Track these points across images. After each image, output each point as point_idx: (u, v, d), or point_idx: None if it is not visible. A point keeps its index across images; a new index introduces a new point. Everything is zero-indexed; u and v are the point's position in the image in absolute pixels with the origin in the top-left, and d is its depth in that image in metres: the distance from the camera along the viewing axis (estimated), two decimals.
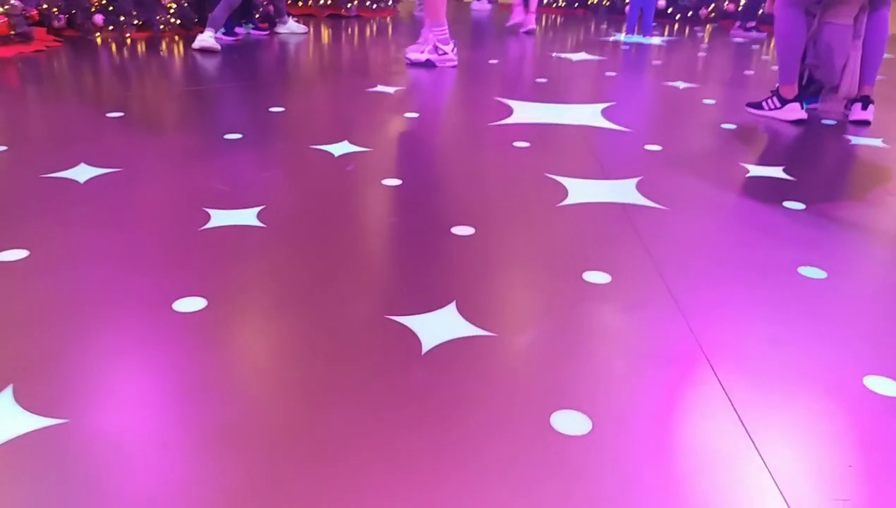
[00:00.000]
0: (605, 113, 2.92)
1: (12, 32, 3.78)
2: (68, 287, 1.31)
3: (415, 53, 3.91)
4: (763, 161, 2.33)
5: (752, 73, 4.20)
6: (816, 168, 2.29)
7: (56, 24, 4.23)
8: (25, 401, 0.98)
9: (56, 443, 0.90)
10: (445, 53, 3.85)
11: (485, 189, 1.97)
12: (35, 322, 1.18)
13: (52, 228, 1.58)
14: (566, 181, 2.02)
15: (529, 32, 5.67)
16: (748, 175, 2.16)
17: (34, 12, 4.07)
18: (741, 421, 0.99)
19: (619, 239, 1.63)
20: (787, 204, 1.90)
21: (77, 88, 3.15)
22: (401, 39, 5.12)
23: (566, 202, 1.86)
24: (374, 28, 5.76)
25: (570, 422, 0.97)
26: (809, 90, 2.99)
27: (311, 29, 5.38)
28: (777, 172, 2.18)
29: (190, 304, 1.25)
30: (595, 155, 2.33)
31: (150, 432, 0.92)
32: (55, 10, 4.21)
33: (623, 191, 1.96)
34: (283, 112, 2.75)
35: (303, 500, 0.82)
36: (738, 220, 1.79)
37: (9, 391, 1.00)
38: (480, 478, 0.86)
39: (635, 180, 2.04)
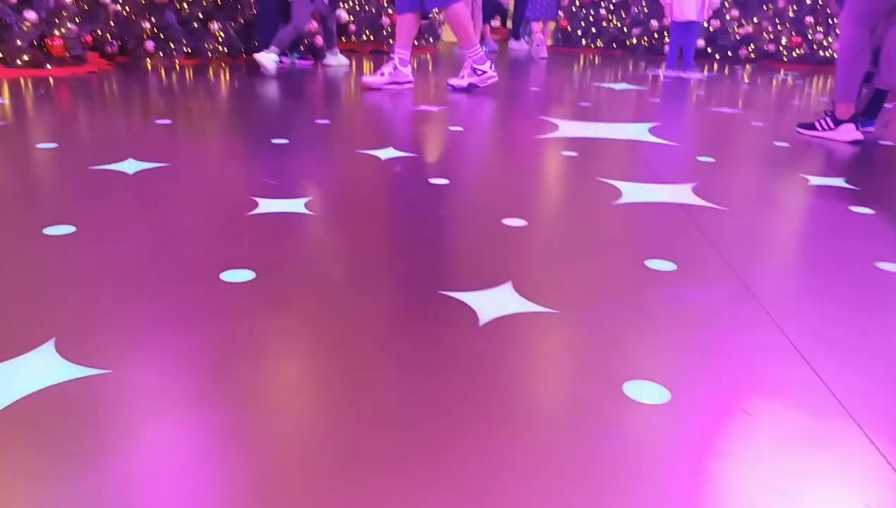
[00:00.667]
0: (652, 130, 2.86)
1: (67, 55, 3.89)
2: (114, 257, 1.27)
3: (456, 80, 3.92)
4: (823, 172, 2.25)
5: (798, 102, 4.12)
6: (881, 179, 2.19)
7: (109, 49, 4.35)
8: (68, 353, 0.93)
9: (96, 392, 0.84)
10: (484, 72, 3.85)
11: (534, 187, 1.92)
12: (78, 286, 1.15)
13: (100, 209, 1.56)
14: (619, 184, 1.96)
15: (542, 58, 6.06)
16: (809, 183, 2.07)
17: (89, 37, 4.20)
18: (834, 396, 0.90)
19: (680, 233, 1.56)
20: (855, 208, 1.81)
21: (126, 102, 3.21)
22: (441, 71, 5.17)
23: (621, 201, 1.79)
24: (415, 62, 5.84)
25: (645, 391, 0.89)
26: (867, 112, 2.90)
27: (354, 62, 5.47)
28: (839, 182, 2.09)
29: (238, 275, 1.21)
30: (646, 163, 2.27)
31: (193, 387, 0.87)
32: (108, 35, 4.33)
33: (679, 193, 1.89)
34: (328, 123, 2.75)
35: (372, 455, 0.75)
36: (805, 220, 1.70)
37: (51, 344, 0.95)
38: (550, 436, 0.79)
39: (690, 185, 1.97)
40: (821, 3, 6.54)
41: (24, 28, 3.68)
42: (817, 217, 1.74)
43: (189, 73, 4.17)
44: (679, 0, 5.60)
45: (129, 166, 1.93)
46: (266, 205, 1.62)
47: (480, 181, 2.02)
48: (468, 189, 1.88)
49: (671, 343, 1.02)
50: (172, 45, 4.45)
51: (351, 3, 6.08)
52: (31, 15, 3.70)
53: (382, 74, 3.83)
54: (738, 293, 1.22)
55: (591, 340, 1.03)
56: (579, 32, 7.80)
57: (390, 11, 6.19)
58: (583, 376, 0.92)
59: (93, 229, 1.42)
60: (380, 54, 6.22)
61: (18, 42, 3.67)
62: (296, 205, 1.63)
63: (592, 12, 7.73)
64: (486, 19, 8.81)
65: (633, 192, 1.87)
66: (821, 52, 6.58)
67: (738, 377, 0.93)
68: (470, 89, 3.88)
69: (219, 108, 3.12)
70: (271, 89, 3.78)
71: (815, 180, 2.11)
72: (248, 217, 1.54)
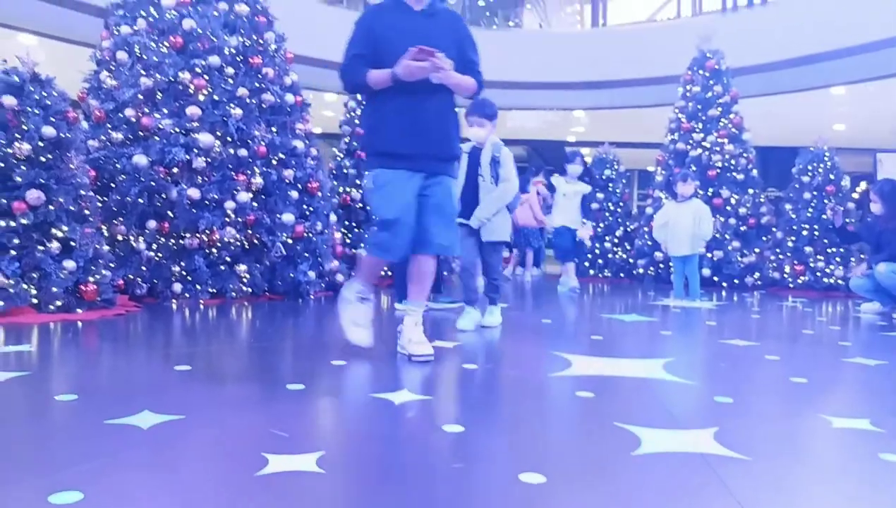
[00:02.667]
0: (666, 367, 2.87)
1: (98, 299, 4.08)
2: None
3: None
4: (845, 412, 2.20)
5: (811, 331, 4.16)
6: None
7: (138, 291, 4.57)
8: None
9: None
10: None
11: (551, 436, 1.88)
12: None
13: (111, 472, 1.53)
14: (637, 430, 1.92)
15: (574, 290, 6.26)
16: (832, 426, 2.02)
17: (120, 282, 4.44)
18: None
19: (705, 489, 1.49)
20: (884, 455, 1.74)
21: (149, 346, 3.30)
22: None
23: (641, 451, 1.74)
24: (430, 296, 6.05)
25: None
26: None
27: (372, 296, 5.67)
28: (864, 424, 2.04)
29: None
30: (664, 405, 2.24)
31: None
32: (139, 278, 4.58)
33: (700, 440, 1.84)
34: (344, 364, 2.79)
35: None
36: (834, 473, 1.63)
37: None
38: None
39: (712, 430, 1.93)
40: (817, 233, 6.87)
41: (62, 275, 3.91)
42: (846, 466, 1.67)
43: (212, 313, 4.32)
44: (671, 237, 5.89)
45: (144, 419, 1.93)
46: (276, 463, 1.59)
47: (496, 427, 1.99)
48: (483, 437, 1.85)
49: None
50: (198, 287, 4.67)
51: None
52: (70, 263, 3.95)
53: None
54: None
55: None
56: (586, 263, 8.14)
57: None
58: None
59: (101, 496, 1.38)
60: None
61: (54, 289, 3.88)
62: (307, 462, 1.60)
63: (598, 244, 8.13)
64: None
65: (653, 441, 1.83)
66: (825, 280, 6.76)
67: None
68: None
69: (238, 350, 3.19)
70: (289, 328, 3.89)
71: (839, 422, 2.06)
72: (257, 478, 1.50)
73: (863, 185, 12.64)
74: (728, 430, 1.94)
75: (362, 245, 3.10)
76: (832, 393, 2.51)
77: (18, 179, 3.89)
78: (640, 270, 7.79)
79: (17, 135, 3.94)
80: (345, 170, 6.76)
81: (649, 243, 7.47)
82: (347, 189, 6.65)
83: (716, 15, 11.91)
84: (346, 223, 6.55)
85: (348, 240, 6.41)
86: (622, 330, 4.02)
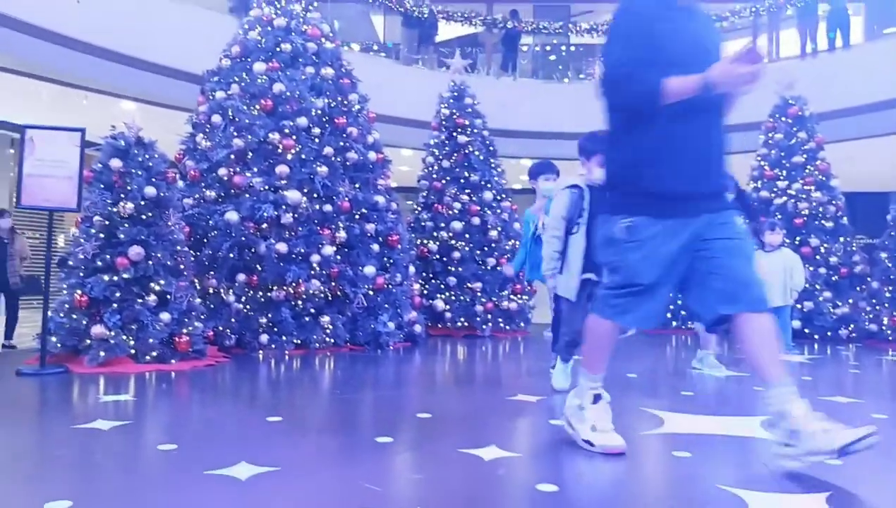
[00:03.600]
0: (765, 425, 2.73)
1: (190, 350, 4.24)
2: None
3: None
4: None
5: None
6: None
7: (227, 342, 4.73)
8: None
9: None
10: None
11: (649, 498, 1.81)
12: None
13: None
14: (744, 493, 1.82)
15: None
16: None
17: (210, 333, 4.60)
18: None
19: None
20: None
21: (240, 397, 3.39)
22: (532, 356, 5.26)
23: None
24: (506, 345, 6.01)
25: None
26: None
27: (450, 346, 5.68)
28: None
29: None
30: (767, 467, 2.13)
31: None
32: (228, 330, 4.74)
33: (813, 506, 1.73)
34: (430, 417, 2.79)
35: None
36: None
37: None
38: None
39: (824, 495, 1.82)
40: None
41: (158, 327, 4.09)
42: None
43: (297, 364, 4.42)
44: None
45: (242, 471, 1.97)
46: None
47: (592, 489, 1.94)
48: (580, 499, 1.80)
49: None
50: (284, 338, 4.79)
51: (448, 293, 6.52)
52: (165, 316, 4.13)
53: None
54: None
55: None
56: (668, 314, 7.89)
57: (483, 300, 6.56)
58: None
59: None
60: (472, 338, 6.46)
61: (151, 340, 4.06)
62: None
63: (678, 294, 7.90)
64: None
65: (763, 506, 1.73)
66: None
67: None
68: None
69: (325, 401, 3.24)
70: (371, 379, 3.93)
71: None
72: None
73: None
74: (842, 495, 1.82)
75: (591, 308, 2.32)
76: None
77: (122, 236, 4.14)
78: None
79: (121, 195, 4.21)
80: (422, 223, 6.88)
81: None
82: (425, 240, 6.75)
83: (795, 60, 11.64)
84: (424, 274, 6.63)
85: (425, 292, 6.47)
86: (715, 385, 3.87)
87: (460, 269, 6.67)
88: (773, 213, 7.15)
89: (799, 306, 6.73)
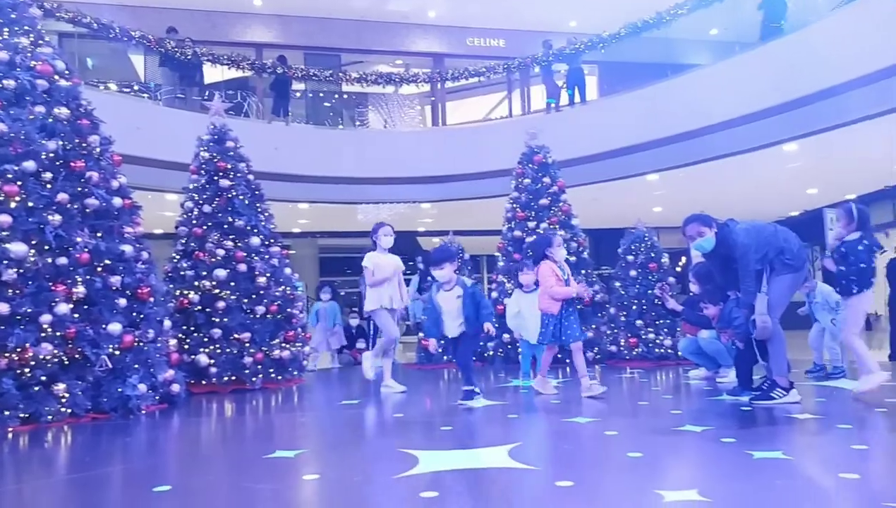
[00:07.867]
0: (511, 453, 2.88)
1: None
2: None
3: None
4: (676, 485, 2.30)
5: (646, 403, 4.38)
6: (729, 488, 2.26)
7: None
8: None
9: None
10: None
11: None
12: None
13: None
14: None
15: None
16: (664, 501, 2.10)
17: None
18: None
19: None
20: None
21: None
22: (305, 405, 5.12)
23: None
24: (279, 398, 5.77)
25: None
26: None
27: (216, 405, 5.31)
28: (692, 495, 2.14)
29: None
30: (506, 497, 2.23)
31: None
32: None
33: None
34: (168, 490, 2.54)
35: None
36: None
37: None
38: None
39: None
40: (645, 307, 7.41)
41: None
42: None
43: (23, 442, 3.84)
44: (522, 325, 6.06)
45: None
46: None
47: None
48: None
49: None
50: (6, 412, 4.14)
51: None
52: None
53: None
54: None
55: None
56: (439, 349, 8.15)
57: (252, 350, 6.26)
58: None
59: None
60: (242, 393, 6.11)
61: None
62: None
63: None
64: (352, 344, 9.15)
65: None
66: (657, 350, 7.26)
67: None
68: None
69: (55, 485, 2.82)
70: (117, 452, 3.51)
71: (670, 496, 2.14)
72: None
73: (684, 260, 13.89)
74: None
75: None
76: (664, 466, 2.63)
77: None
78: (490, 352, 7.94)
79: None
80: (182, 272, 6.42)
81: (496, 325, 7.63)
82: (185, 291, 6.30)
83: (541, 114, 12.94)
84: (185, 328, 6.16)
85: (186, 347, 6.01)
86: (473, 418, 4.03)
87: (226, 320, 6.28)
88: (525, 251, 7.76)
89: None
